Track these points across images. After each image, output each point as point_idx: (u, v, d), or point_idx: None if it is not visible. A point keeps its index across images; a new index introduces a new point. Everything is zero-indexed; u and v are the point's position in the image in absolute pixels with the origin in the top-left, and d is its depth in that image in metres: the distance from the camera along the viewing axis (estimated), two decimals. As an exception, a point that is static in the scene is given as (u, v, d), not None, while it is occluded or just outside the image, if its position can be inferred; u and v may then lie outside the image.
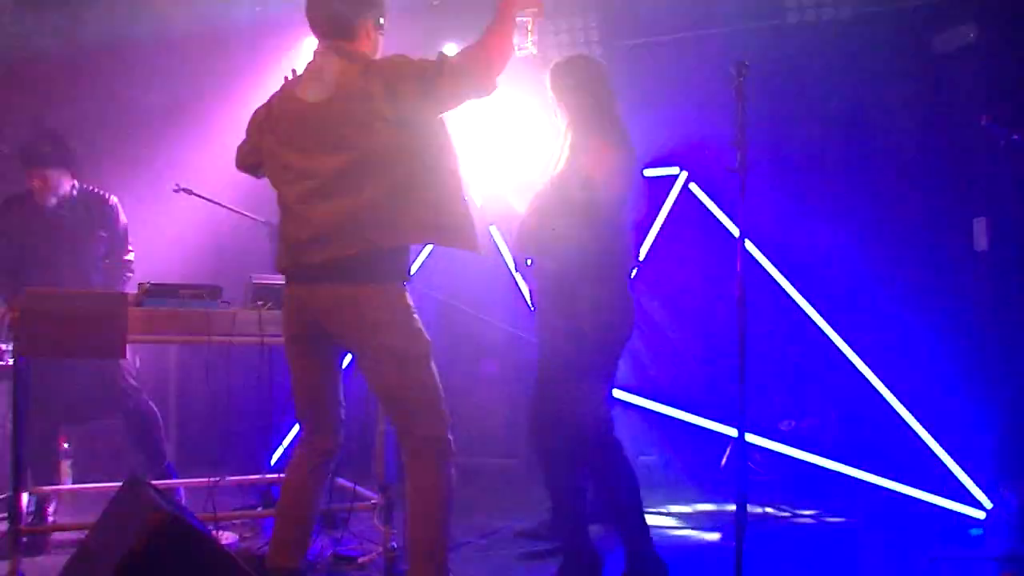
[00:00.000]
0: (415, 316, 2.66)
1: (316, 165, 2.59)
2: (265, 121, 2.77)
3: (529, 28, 2.84)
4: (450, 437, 2.67)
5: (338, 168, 2.56)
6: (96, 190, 4.30)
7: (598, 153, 2.99)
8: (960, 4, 4.66)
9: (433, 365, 2.67)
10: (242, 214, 4.51)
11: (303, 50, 5.36)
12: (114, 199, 4.34)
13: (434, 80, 2.54)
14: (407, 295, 2.67)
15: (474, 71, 2.55)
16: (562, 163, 3.08)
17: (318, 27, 2.70)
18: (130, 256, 4.36)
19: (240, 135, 2.95)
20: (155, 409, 4.23)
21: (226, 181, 5.02)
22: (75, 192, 4.21)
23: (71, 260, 4.14)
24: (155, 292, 3.33)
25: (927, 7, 4.77)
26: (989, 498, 4.37)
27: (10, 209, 4.21)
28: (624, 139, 3.10)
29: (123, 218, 4.35)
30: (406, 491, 2.65)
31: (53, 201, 4.15)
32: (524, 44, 2.84)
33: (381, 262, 2.61)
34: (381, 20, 2.76)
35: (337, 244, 2.57)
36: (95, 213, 4.26)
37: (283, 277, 2.81)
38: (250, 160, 2.89)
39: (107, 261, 4.28)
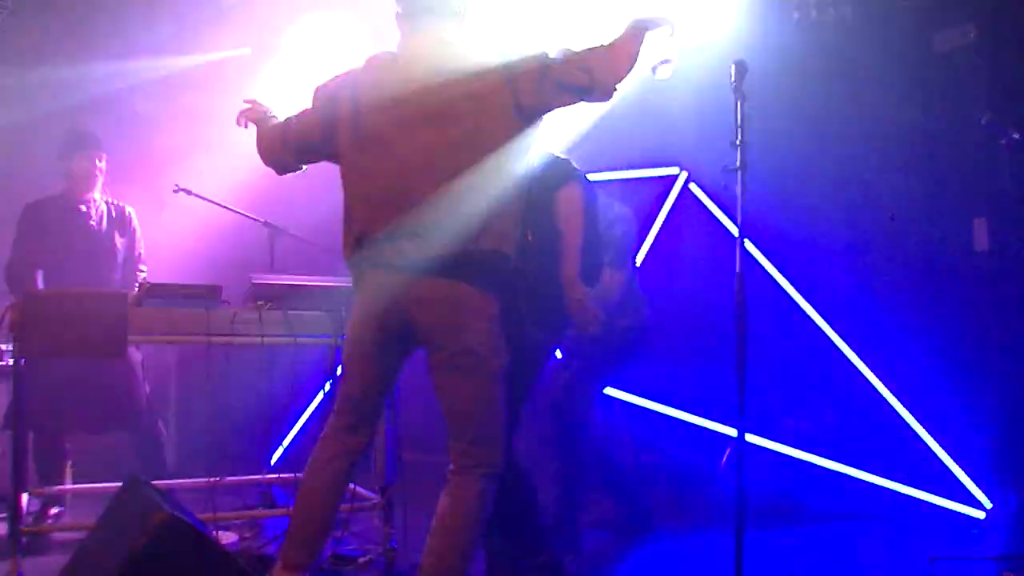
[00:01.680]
0: (501, 329, 2.57)
1: (420, 145, 2.47)
2: (351, 95, 2.58)
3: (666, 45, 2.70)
4: (503, 463, 2.57)
5: (446, 148, 2.46)
6: (114, 199, 4.40)
7: None
8: (960, 4, 4.66)
9: (506, 385, 2.56)
10: (242, 214, 4.52)
11: (297, 49, 5.38)
12: (131, 209, 4.44)
13: (552, 66, 2.47)
14: (497, 303, 2.56)
15: (596, 65, 2.47)
16: None
17: (432, 5, 2.58)
18: (143, 269, 4.43)
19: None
20: (163, 431, 4.34)
21: (225, 181, 5.05)
22: (99, 193, 4.32)
23: (93, 261, 4.22)
24: (155, 292, 3.33)
25: (927, 7, 4.76)
26: (989, 498, 4.37)
27: (42, 208, 4.26)
28: None
29: (139, 230, 4.45)
30: (440, 504, 2.54)
31: (92, 190, 4.25)
32: (665, 63, 2.68)
33: (484, 264, 2.49)
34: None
35: (440, 239, 2.44)
36: (115, 217, 4.35)
37: (357, 259, 2.59)
38: (309, 137, 2.67)
39: (124, 267, 4.36)
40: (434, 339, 2.52)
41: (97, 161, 4.28)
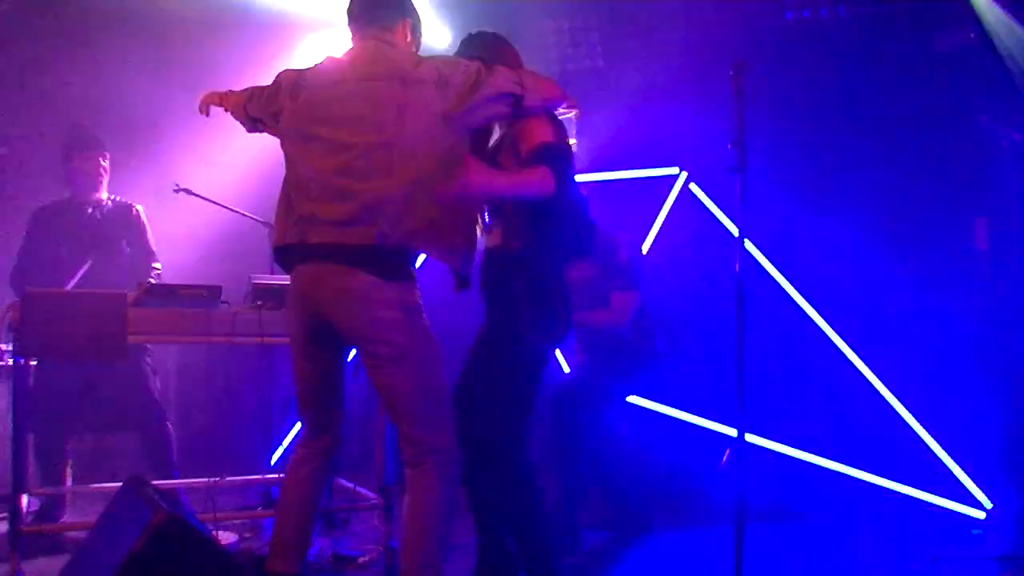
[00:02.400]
0: (423, 316, 2.62)
1: (349, 140, 2.55)
2: (294, 86, 2.71)
3: (573, 126, 2.92)
4: (452, 446, 2.61)
5: (372, 145, 2.54)
6: (120, 197, 4.39)
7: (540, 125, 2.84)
8: (960, 4, 4.66)
9: (441, 370, 2.62)
10: (242, 214, 4.52)
11: (300, 46, 5.38)
12: (138, 207, 4.43)
13: (483, 74, 2.61)
14: (416, 292, 2.63)
15: (527, 80, 2.67)
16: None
17: (363, 15, 2.74)
18: (158, 265, 4.40)
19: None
20: (172, 432, 4.28)
21: (225, 180, 5.05)
22: (105, 193, 4.32)
23: (100, 262, 4.17)
24: (155, 292, 3.33)
25: (927, 7, 4.76)
26: (989, 498, 4.38)
27: (48, 212, 4.26)
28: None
29: (148, 226, 4.43)
30: (405, 502, 2.59)
31: (98, 190, 4.24)
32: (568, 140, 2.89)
33: (394, 254, 2.56)
34: (418, 30, 2.84)
35: (355, 230, 2.52)
36: (121, 216, 4.34)
37: (283, 256, 2.69)
38: (260, 114, 2.83)
39: (135, 266, 4.31)
40: (351, 335, 2.60)
41: (100, 160, 4.28)
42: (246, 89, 2.90)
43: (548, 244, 2.80)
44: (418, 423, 2.58)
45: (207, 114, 3.04)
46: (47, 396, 3.84)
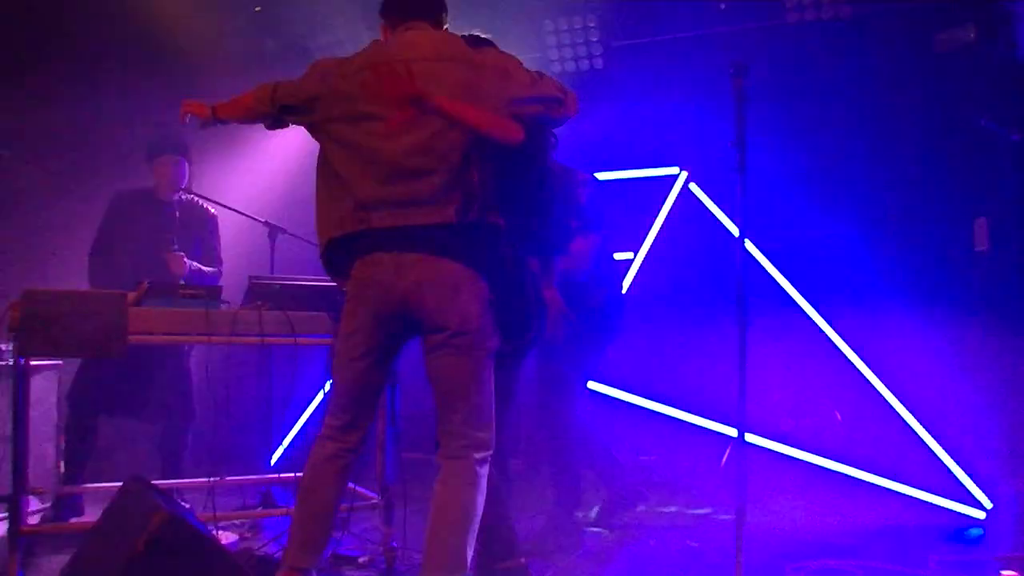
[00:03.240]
0: (492, 315, 2.65)
1: (421, 118, 2.54)
2: (338, 72, 2.68)
3: None
4: (494, 445, 2.63)
5: (443, 126, 2.55)
6: (197, 199, 4.48)
7: None
8: (960, 4, 4.66)
9: (493, 367, 2.64)
10: (242, 214, 4.52)
11: (303, 48, 5.39)
12: (213, 210, 4.53)
13: (539, 77, 2.67)
14: (488, 292, 2.64)
15: (566, 88, 2.73)
16: None
17: (423, 8, 2.78)
18: (218, 270, 4.50)
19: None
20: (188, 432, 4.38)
21: (226, 181, 5.05)
22: (184, 192, 4.43)
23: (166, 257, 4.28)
24: (155, 292, 3.33)
25: (927, 7, 4.77)
26: (989, 498, 4.38)
27: (128, 199, 4.40)
28: None
29: (219, 234, 4.55)
30: (435, 490, 2.57)
31: (175, 190, 4.36)
32: None
33: (479, 240, 2.60)
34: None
35: (439, 208, 2.54)
36: (196, 218, 4.45)
37: (342, 248, 2.66)
38: (290, 100, 2.75)
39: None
40: (433, 320, 2.58)
41: (176, 163, 4.37)
42: (264, 84, 2.82)
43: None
44: (469, 417, 2.58)
45: (184, 122, 2.97)
46: (91, 382, 3.99)
